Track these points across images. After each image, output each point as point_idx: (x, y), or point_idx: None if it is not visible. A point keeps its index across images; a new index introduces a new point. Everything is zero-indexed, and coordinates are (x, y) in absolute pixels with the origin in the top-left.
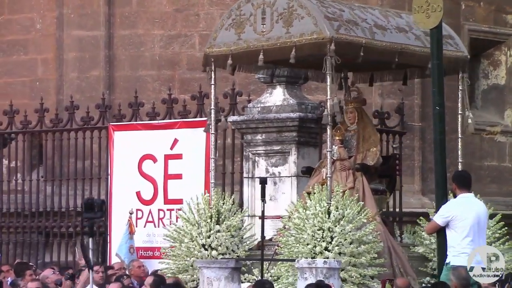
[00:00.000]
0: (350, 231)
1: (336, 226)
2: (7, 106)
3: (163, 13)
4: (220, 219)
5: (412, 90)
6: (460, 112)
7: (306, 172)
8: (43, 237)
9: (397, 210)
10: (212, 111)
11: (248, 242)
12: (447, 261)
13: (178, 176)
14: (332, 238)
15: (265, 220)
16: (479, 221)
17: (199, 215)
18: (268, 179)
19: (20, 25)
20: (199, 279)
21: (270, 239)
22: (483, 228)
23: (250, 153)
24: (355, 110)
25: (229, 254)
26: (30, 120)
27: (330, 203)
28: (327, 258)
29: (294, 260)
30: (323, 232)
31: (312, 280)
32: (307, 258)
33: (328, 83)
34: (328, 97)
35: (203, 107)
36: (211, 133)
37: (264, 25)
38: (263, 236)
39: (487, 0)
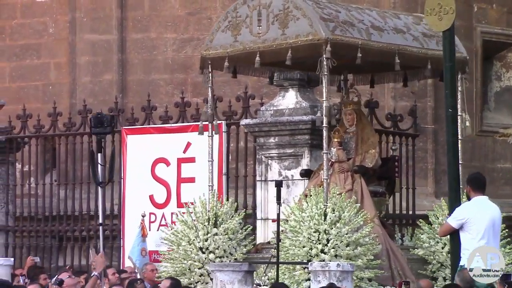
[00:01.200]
0: (346, 233)
1: (332, 228)
2: (20, 110)
3: (175, 16)
4: (218, 222)
5: (425, 93)
6: (459, 113)
7: (305, 175)
8: (57, 241)
9: (410, 212)
10: (209, 110)
11: (246, 245)
12: (461, 263)
13: (191, 180)
14: (328, 240)
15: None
16: (494, 223)
17: (197, 218)
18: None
19: (33, 29)
20: (196, 282)
21: (268, 242)
22: (497, 230)
23: (263, 156)
24: (353, 112)
25: (227, 257)
26: (43, 124)
27: (327, 205)
28: (323, 260)
29: (306, 263)
30: (319, 234)
31: (325, 283)
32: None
33: (324, 85)
34: (324, 99)
35: (216, 111)
36: (208, 136)
37: (260, 27)
38: (278, 239)
39: (500, 2)
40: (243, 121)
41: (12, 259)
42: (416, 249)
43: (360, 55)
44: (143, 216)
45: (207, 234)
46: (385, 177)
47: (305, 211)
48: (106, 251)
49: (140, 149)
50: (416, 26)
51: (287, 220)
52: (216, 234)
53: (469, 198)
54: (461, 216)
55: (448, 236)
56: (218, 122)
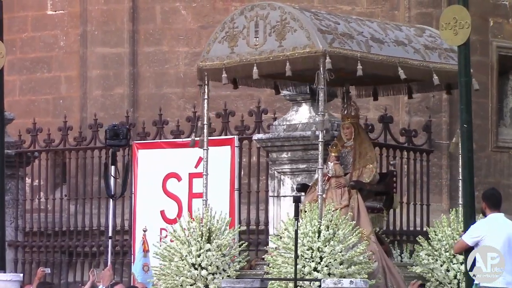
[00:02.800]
0: (340, 251)
1: (326, 246)
2: (31, 124)
3: (187, 30)
4: (211, 237)
5: (439, 108)
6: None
7: (301, 189)
8: (67, 257)
9: (418, 228)
10: (205, 127)
11: (239, 261)
12: (476, 281)
13: (203, 195)
14: (321, 258)
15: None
16: (510, 241)
17: (190, 233)
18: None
19: (43, 42)
20: None
21: (262, 259)
22: None
23: (275, 172)
24: (351, 126)
25: (220, 273)
26: (53, 138)
27: (321, 223)
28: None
29: (320, 281)
30: (312, 252)
31: None
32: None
33: (320, 98)
34: (320, 112)
35: (228, 125)
36: (204, 149)
37: (257, 38)
38: (296, 256)
39: None
40: (256, 136)
41: (21, 274)
42: (413, 267)
43: (361, 67)
44: (145, 231)
45: (199, 250)
46: (383, 192)
47: (299, 228)
48: (117, 267)
49: (151, 164)
50: (418, 38)
51: (280, 237)
52: (209, 250)
53: (484, 215)
54: (476, 234)
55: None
56: (230, 136)
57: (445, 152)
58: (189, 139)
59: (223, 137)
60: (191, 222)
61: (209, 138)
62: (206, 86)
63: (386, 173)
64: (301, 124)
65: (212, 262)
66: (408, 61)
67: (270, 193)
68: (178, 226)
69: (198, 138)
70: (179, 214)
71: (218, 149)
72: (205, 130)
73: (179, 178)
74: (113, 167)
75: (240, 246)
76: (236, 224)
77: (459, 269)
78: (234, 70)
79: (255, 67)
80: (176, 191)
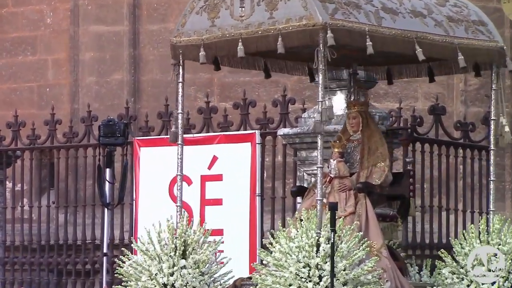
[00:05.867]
0: (344, 269)
1: (326, 262)
2: (12, 117)
3: None
4: (187, 252)
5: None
6: (493, 117)
7: (297, 193)
8: (55, 276)
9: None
10: (179, 117)
11: (222, 281)
12: None
13: (218, 202)
14: (320, 277)
15: None
16: None
17: (161, 246)
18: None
19: (27, 19)
20: None
21: (250, 278)
22: None
23: (305, 174)
24: (359, 115)
25: None
26: (38, 134)
27: (320, 234)
28: None
29: None
30: (310, 270)
31: None
32: None
33: (320, 82)
34: (320, 99)
35: (248, 118)
36: (178, 144)
37: (243, 8)
38: (333, 274)
39: None
40: (281, 131)
41: None
42: (435, 287)
43: (371, 43)
44: None
45: (173, 267)
46: (397, 196)
47: (294, 240)
48: None
49: (156, 165)
50: (440, 8)
51: (270, 252)
52: (184, 267)
53: None
54: None
55: None
56: (250, 131)
57: (508, 149)
58: (199, 135)
59: (242, 132)
60: (162, 233)
61: (224, 133)
62: (180, 67)
63: (401, 172)
64: (335, 116)
65: (187, 282)
66: (427, 36)
67: (298, 199)
68: (146, 237)
69: (175, 131)
70: (189, 225)
71: (236, 146)
72: (179, 121)
73: (189, 182)
74: (108, 170)
75: (224, 262)
76: (258, 236)
77: None
78: (215, 46)
79: (240, 44)
80: (186, 197)
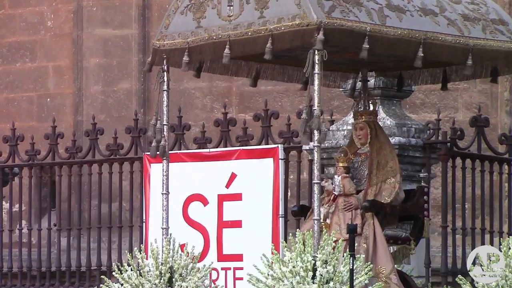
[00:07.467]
0: None
1: None
2: (9, 130)
3: None
4: (173, 278)
5: None
6: None
7: (299, 213)
8: None
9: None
10: (165, 129)
11: None
12: None
13: (237, 224)
14: None
15: None
16: None
17: (144, 273)
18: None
19: (25, 22)
20: None
21: None
22: None
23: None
24: (367, 126)
25: None
26: (38, 149)
27: (317, 257)
28: None
29: None
30: None
31: None
32: None
33: (316, 87)
34: (316, 107)
35: (270, 130)
36: (164, 159)
37: (231, 7)
38: None
39: None
40: (307, 145)
41: None
42: None
43: (367, 46)
44: None
45: None
46: (409, 216)
47: (287, 264)
48: None
49: (169, 183)
50: (454, 6)
51: (258, 279)
52: None
53: None
54: None
55: None
56: (273, 146)
57: None
58: (216, 150)
59: (263, 146)
60: (146, 259)
61: (244, 148)
62: (165, 73)
63: (414, 190)
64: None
65: None
66: (438, 37)
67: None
68: (127, 264)
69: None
70: (206, 249)
71: (257, 162)
72: (164, 133)
73: (205, 202)
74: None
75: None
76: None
77: None
78: (200, 51)
79: (227, 48)
80: (201, 219)
